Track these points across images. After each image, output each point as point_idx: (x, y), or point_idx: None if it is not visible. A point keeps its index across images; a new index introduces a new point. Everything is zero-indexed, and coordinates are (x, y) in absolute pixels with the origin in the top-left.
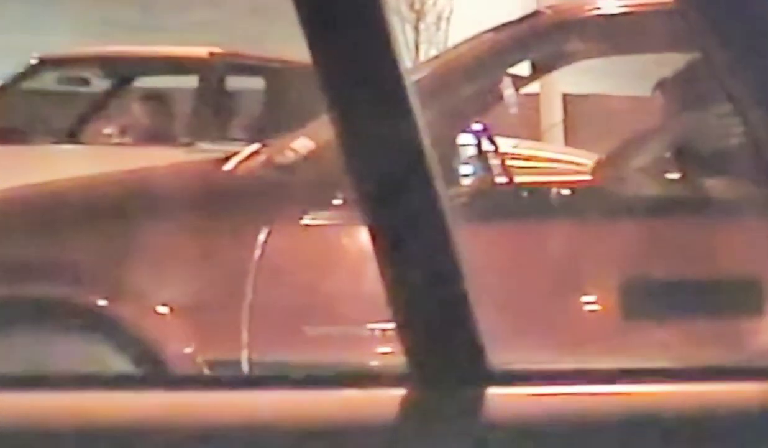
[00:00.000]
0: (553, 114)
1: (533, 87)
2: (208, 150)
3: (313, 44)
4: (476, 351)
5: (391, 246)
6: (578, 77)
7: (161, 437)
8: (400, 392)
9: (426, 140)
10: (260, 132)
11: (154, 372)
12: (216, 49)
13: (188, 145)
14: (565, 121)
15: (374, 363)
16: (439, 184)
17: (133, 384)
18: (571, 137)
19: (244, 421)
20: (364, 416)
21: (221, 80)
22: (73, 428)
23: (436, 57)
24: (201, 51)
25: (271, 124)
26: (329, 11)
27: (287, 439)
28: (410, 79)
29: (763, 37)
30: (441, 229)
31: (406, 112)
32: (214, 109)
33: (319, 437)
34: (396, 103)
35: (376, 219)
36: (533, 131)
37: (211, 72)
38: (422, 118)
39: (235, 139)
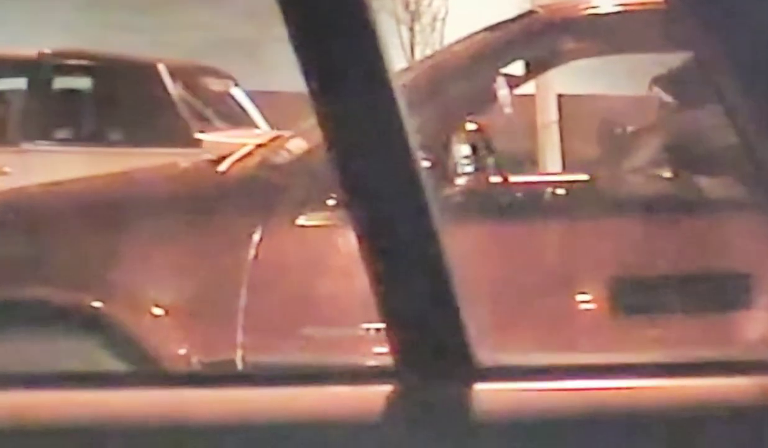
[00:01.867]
0: (548, 114)
1: (528, 88)
2: (32, 150)
3: (300, 48)
4: (463, 347)
5: (377, 244)
6: (573, 77)
7: (150, 433)
8: (387, 388)
9: (413, 140)
10: (87, 131)
11: (141, 370)
12: (45, 49)
13: (13, 144)
14: (560, 121)
15: (370, 363)
16: (425, 182)
17: (120, 382)
18: (566, 137)
19: (232, 418)
20: (352, 412)
21: (50, 80)
22: (69, 426)
23: (430, 56)
24: (30, 51)
25: (99, 123)
26: (315, 15)
27: (275, 435)
28: (396, 80)
29: (754, 36)
30: (427, 226)
31: (392, 112)
32: (41, 110)
33: (307, 433)
34: (382, 105)
35: (362, 218)
36: (529, 132)
37: (40, 72)
38: (408, 118)
39: (62, 140)
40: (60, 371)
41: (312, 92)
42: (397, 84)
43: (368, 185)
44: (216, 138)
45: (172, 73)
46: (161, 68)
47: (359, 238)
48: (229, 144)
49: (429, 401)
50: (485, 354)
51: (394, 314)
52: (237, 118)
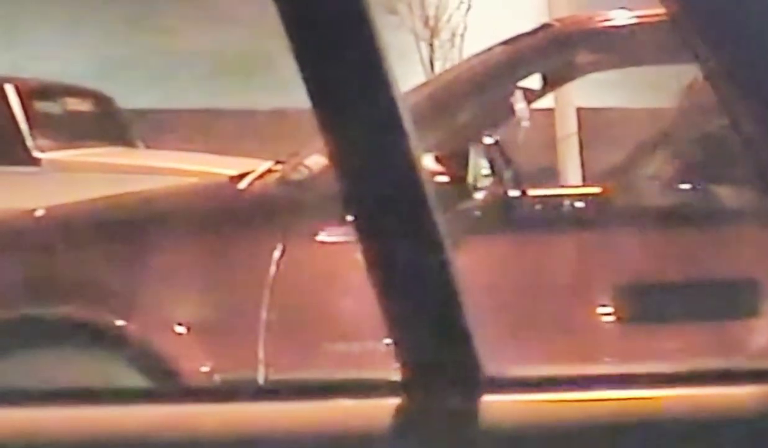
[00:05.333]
0: (567, 128)
1: (547, 101)
2: None
3: (303, 64)
4: (471, 359)
5: (383, 257)
6: (593, 91)
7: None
8: (396, 401)
9: (418, 155)
10: None
11: (156, 386)
12: None
13: None
14: (580, 134)
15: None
16: (431, 196)
17: (134, 397)
18: (586, 150)
19: (239, 433)
20: (361, 425)
21: None
22: (91, 442)
23: (448, 71)
24: None
25: None
26: (320, 32)
27: None
28: (402, 96)
29: (757, 46)
30: (434, 240)
31: (397, 127)
32: None
33: (316, 447)
34: (387, 121)
35: (368, 231)
36: (549, 145)
37: None
38: (414, 132)
39: None
40: (79, 386)
41: (316, 109)
42: (403, 99)
43: (374, 200)
44: (58, 156)
45: (25, 93)
46: (7, 88)
47: (365, 252)
48: (77, 162)
49: (438, 413)
50: (493, 366)
51: (402, 327)
52: (106, 137)
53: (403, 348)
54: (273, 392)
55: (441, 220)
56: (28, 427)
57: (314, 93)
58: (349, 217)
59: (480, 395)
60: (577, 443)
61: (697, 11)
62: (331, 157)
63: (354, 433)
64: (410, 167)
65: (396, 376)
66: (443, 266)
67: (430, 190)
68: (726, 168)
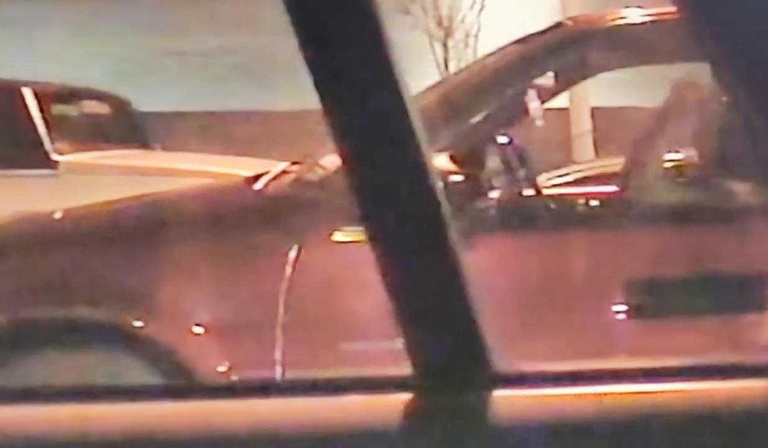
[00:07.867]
0: (582, 128)
1: (562, 101)
2: None
3: (313, 64)
4: (480, 354)
5: (392, 253)
6: (608, 91)
7: (169, 444)
8: (405, 396)
9: (426, 152)
10: None
11: (172, 383)
12: None
13: None
14: (594, 134)
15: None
16: (439, 192)
17: (145, 394)
18: (601, 150)
19: (248, 429)
20: (370, 421)
21: None
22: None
23: (462, 70)
24: None
25: None
26: (328, 31)
27: (293, 445)
28: (409, 93)
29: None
30: (442, 235)
31: (407, 128)
32: None
33: (324, 443)
34: (397, 122)
35: (376, 228)
36: (563, 145)
37: None
38: (424, 133)
39: None
40: (96, 384)
41: (326, 110)
42: (412, 100)
43: (382, 197)
44: (76, 159)
45: (43, 97)
46: (25, 92)
47: (375, 251)
48: (94, 165)
49: (447, 409)
50: (503, 361)
51: (411, 323)
52: (123, 140)
53: (414, 345)
54: (286, 388)
55: (451, 219)
56: (47, 425)
57: (324, 94)
58: (360, 215)
59: (490, 391)
60: (588, 438)
61: (707, 9)
62: (341, 158)
63: (366, 429)
64: (420, 167)
65: (407, 372)
66: (453, 264)
67: (440, 190)
68: (738, 163)
